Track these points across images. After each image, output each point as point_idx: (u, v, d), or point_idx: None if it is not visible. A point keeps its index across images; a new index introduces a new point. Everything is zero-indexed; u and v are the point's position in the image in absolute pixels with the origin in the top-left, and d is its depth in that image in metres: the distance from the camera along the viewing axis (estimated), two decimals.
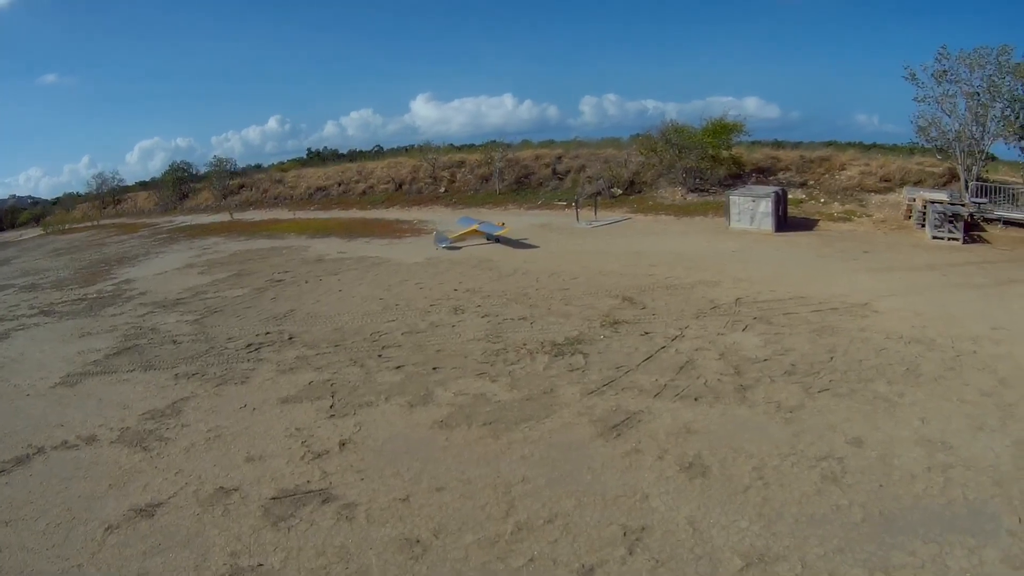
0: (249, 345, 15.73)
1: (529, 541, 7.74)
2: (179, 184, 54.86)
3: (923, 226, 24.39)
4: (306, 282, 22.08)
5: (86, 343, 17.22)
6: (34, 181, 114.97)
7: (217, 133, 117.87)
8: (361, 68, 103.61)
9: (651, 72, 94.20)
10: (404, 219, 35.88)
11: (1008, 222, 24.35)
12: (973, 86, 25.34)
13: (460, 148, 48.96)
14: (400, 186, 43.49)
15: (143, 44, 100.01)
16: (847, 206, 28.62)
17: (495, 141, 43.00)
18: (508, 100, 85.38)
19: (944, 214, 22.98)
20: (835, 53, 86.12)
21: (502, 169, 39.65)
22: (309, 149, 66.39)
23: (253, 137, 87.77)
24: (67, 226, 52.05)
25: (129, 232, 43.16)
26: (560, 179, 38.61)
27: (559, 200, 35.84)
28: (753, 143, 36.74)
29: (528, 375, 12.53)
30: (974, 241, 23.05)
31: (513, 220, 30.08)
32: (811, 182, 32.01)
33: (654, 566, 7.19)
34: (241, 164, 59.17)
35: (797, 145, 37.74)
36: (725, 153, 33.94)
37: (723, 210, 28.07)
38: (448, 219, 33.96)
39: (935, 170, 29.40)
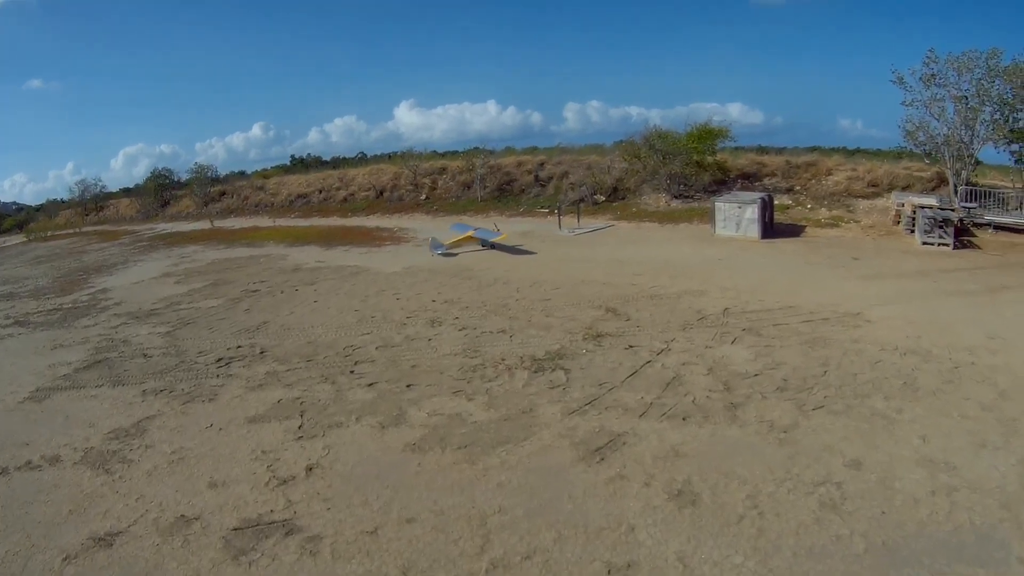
0: (219, 359, 15.04)
1: None
2: (160, 191, 54.13)
3: (912, 231, 24.04)
4: (281, 292, 21.39)
5: (58, 355, 16.54)
6: (19, 187, 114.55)
7: (201, 140, 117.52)
8: (345, 75, 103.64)
9: (634, 79, 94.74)
10: (384, 227, 35.23)
11: (998, 227, 24.06)
12: (962, 90, 25.12)
13: (443, 155, 48.46)
14: (381, 193, 42.80)
15: (128, 50, 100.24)
16: (834, 212, 28.24)
17: (478, 148, 42.46)
18: (491, 107, 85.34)
19: (934, 219, 22.60)
20: (817, 58, 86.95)
21: (484, 176, 39.03)
22: (293, 156, 65.97)
23: (237, 144, 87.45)
24: (50, 233, 51.28)
25: (110, 240, 42.36)
26: (543, 186, 38.06)
27: (541, 207, 35.31)
28: (737, 149, 36.43)
29: (506, 393, 11.85)
30: (964, 246, 22.69)
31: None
32: (797, 187, 31.65)
33: None
34: (225, 171, 58.77)
35: (782, 150, 37.41)
36: (710, 159, 33.53)
37: (708, 217, 27.61)
38: (429, 227, 33.47)
39: (923, 175, 29.17)
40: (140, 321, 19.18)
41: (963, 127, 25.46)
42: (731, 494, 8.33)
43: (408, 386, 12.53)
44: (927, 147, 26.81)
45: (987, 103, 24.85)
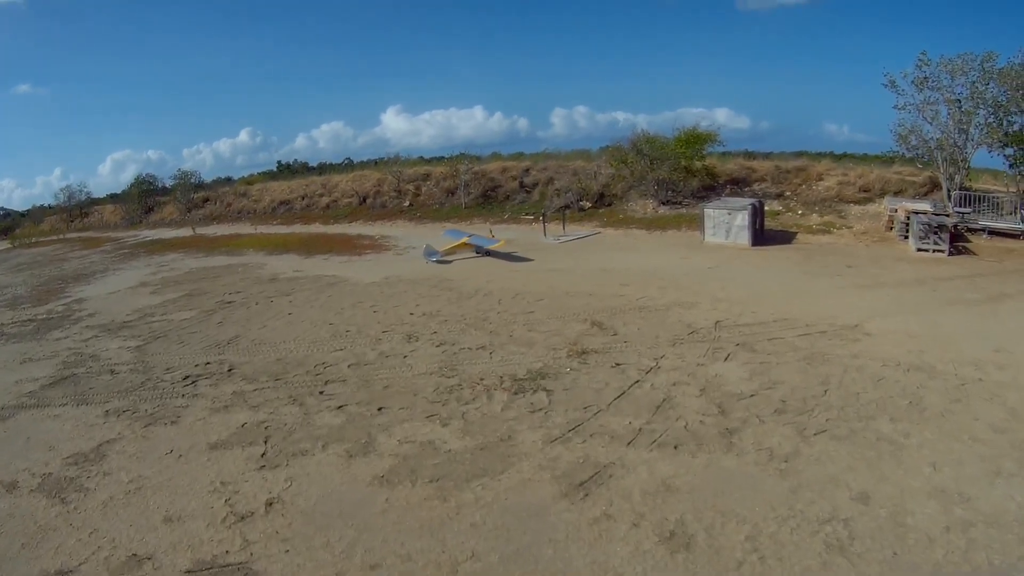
0: (187, 377, 14.21)
1: None
2: (144, 197, 53.12)
3: (906, 238, 23.46)
4: (256, 304, 20.51)
5: (26, 371, 15.73)
6: (7, 192, 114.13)
7: (188, 145, 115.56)
8: (331, 80, 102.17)
9: (621, 84, 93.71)
10: (366, 234, 34.34)
11: (993, 232, 23.52)
12: (955, 93, 24.62)
13: (430, 160, 47.60)
14: (364, 200, 41.87)
15: (116, 55, 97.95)
16: (826, 217, 27.61)
17: (464, 153, 41.67)
18: (479, 112, 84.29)
19: (929, 225, 21.99)
20: (804, 64, 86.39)
21: (468, 182, 38.20)
22: (279, 162, 65.04)
23: (224, 150, 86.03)
24: (34, 239, 50.36)
25: (92, 247, 41.32)
26: (528, 192, 37.24)
27: (526, 214, 34.49)
28: (725, 153, 35.83)
29: (483, 418, 11.01)
30: (960, 252, 22.10)
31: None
32: (787, 193, 31.02)
33: None
34: (211, 177, 57.98)
35: (769, 155, 36.87)
36: (698, 164, 32.86)
37: (697, 223, 26.94)
38: (412, 234, 32.74)
39: (915, 179, 28.67)
40: (112, 334, 18.38)
41: (956, 131, 25.01)
42: (729, 535, 7.54)
43: (379, 409, 11.70)
44: (920, 151, 26.34)
45: (981, 106, 24.37)
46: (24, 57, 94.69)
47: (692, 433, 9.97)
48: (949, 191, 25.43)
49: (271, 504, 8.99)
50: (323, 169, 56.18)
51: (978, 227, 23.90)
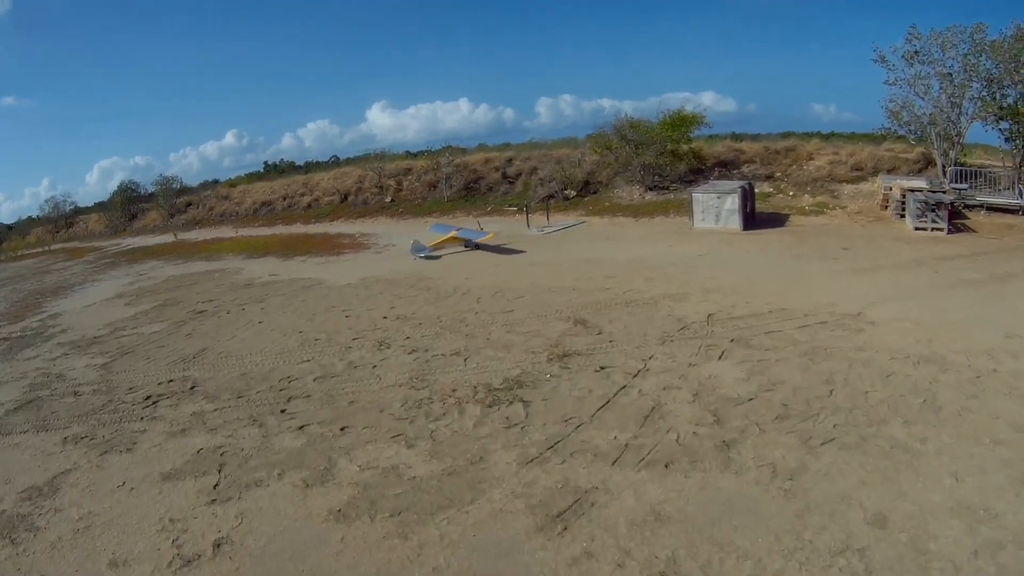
0: (148, 397, 13.21)
1: None
2: (127, 205, 51.99)
3: (902, 216, 22.64)
4: (227, 313, 19.49)
5: None
6: None
7: (175, 150, 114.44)
8: (316, 79, 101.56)
9: (606, 71, 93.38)
10: (346, 233, 33.33)
11: (991, 208, 22.69)
12: (947, 67, 23.83)
13: (416, 155, 46.48)
14: (346, 197, 40.72)
15: (100, 64, 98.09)
16: (818, 198, 26.72)
17: (449, 146, 40.65)
18: (464, 104, 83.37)
19: (926, 203, 21.10)
20: (789, 44, 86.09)
21: (450, 175, 37.10)
22: (266, 163, 63.65)
23: (211, 153, 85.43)
24: (20, 252, 49.69)
25: (75, 257, 40.28)
26: (511, 183, 36.18)
27: (509, 205, 33.47)
28: (712, 136, 34.89)
29: (453, 436, 9.98)
30: (959, 230, 21.28)
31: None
32: (778, 174, 30.13)
33: None
34: (199, 180, 56.83)
35: (757, 136, 35.96)
36: (685, 147, 31.91)
37: (685, 209, 26.03)
38: (393, 231, 31.80)
39: (908, 156, 27.86)
40: (81, 351, 17.40)
41: (949, 105, 24.27)
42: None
43: (343, 429, 10.67)
44: (912, 127, 25.60)
45: (974, 79, 23.57)
46: (8, 69, 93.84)
47: (685, 447, 8.96)
48: (944, 167, 24.66)
49: (219, 545, 8.06)
50: (309, 168, 55.12)
51: (976, 203, 23.09)
